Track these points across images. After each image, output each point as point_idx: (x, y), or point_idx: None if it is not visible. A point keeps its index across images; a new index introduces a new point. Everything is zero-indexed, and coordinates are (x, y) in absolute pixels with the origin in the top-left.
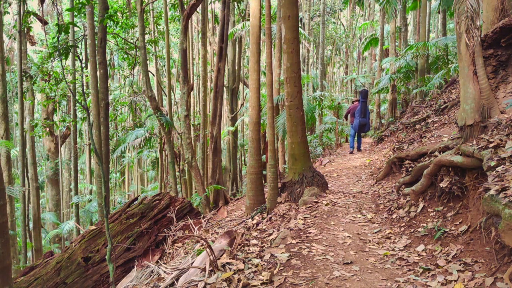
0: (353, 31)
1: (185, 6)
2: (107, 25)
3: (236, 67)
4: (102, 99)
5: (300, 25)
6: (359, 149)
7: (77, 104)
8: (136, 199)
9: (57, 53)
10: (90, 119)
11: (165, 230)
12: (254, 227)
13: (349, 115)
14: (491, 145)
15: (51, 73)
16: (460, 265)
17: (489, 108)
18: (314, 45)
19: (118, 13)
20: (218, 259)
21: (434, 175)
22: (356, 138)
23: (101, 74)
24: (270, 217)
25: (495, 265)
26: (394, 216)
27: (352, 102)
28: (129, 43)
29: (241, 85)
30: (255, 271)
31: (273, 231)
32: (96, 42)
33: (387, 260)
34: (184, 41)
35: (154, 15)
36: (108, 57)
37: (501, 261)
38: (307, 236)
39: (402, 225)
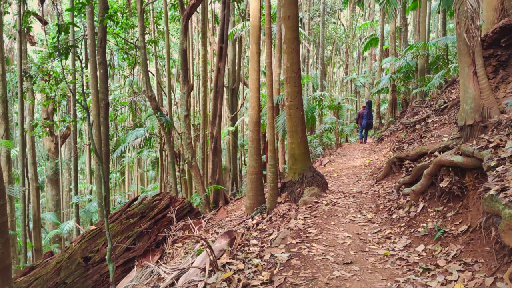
0: (353, 31)
1: (185, 6)
2: (107, 25)
3: (236, 67)
4: (102, 99)
5: (300, 25)
6: (365, 142)
7: (77, 104)
8: (136, 199)
9: (57, 53)
10: (90, 119)
11: (165, 230)
12: (254, 227)
13: (358, 118)
14: (491, 145)
15: (51, 73)
16: (460, 265)
17: (489, 108)
18: (314, 45)
19: (118, 13)
20: (218, 259)
21: (434, 175)
22: (364, 133)
23: (101, 74)
24: (270, 217)
25: (495, 265)
26: (394, 216)
27: (362, 108)
28: (129, 43)
29: (241, 85)
30: (255, 271)
31: (273, 231)
32: (96, 42)
33: (387, 260)
34: (184, 41)
35: (154, 15)
36: (108, 57)
37: (501, 261)
38: (307, 236)
39: (402, 225)
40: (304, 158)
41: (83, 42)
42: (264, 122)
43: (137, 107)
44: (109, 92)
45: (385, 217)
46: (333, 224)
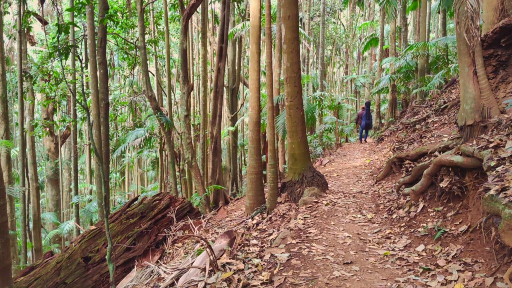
0: (353, 31)
1: (185, 6)
2: (107, 25)
3: (236, 67)
4: (102, 99)
5: (300, 25)
6: (365, 140)
7: (77, 104)
8: (136, 199)
9: (57, 53)
10: (90, 119)
11: (165, 230)
12: (254, 227)
13: (358, 119)
14: (491, 145)
15: (51, 73)
16: (460, 265)
17: (489, 108)
18: (314, 45)
19: (118, 13)
20: (218, 259)
21: (434, 175)
22: (364, 133)
23: (101, 74)
24: (270, 217)
25: (495, 265)
26: (394, 216)
27: (361, 109)
28: (129, 43)
29: (241, 85)
30: (255, 271)
31: (273, 231)
32: (96, 42)
33: (387, 260)
34: (184, 41)
35: (154, 15)
36: (108, 57)
37: (501, 261)
38: (307, 236)
39: (402, 225)
40: (304, 158)
41: (83, 42)
42: (264, 122)
43: (137, 107)
44: (109, 92)
45: (385, 217)
46: (333, 224)
